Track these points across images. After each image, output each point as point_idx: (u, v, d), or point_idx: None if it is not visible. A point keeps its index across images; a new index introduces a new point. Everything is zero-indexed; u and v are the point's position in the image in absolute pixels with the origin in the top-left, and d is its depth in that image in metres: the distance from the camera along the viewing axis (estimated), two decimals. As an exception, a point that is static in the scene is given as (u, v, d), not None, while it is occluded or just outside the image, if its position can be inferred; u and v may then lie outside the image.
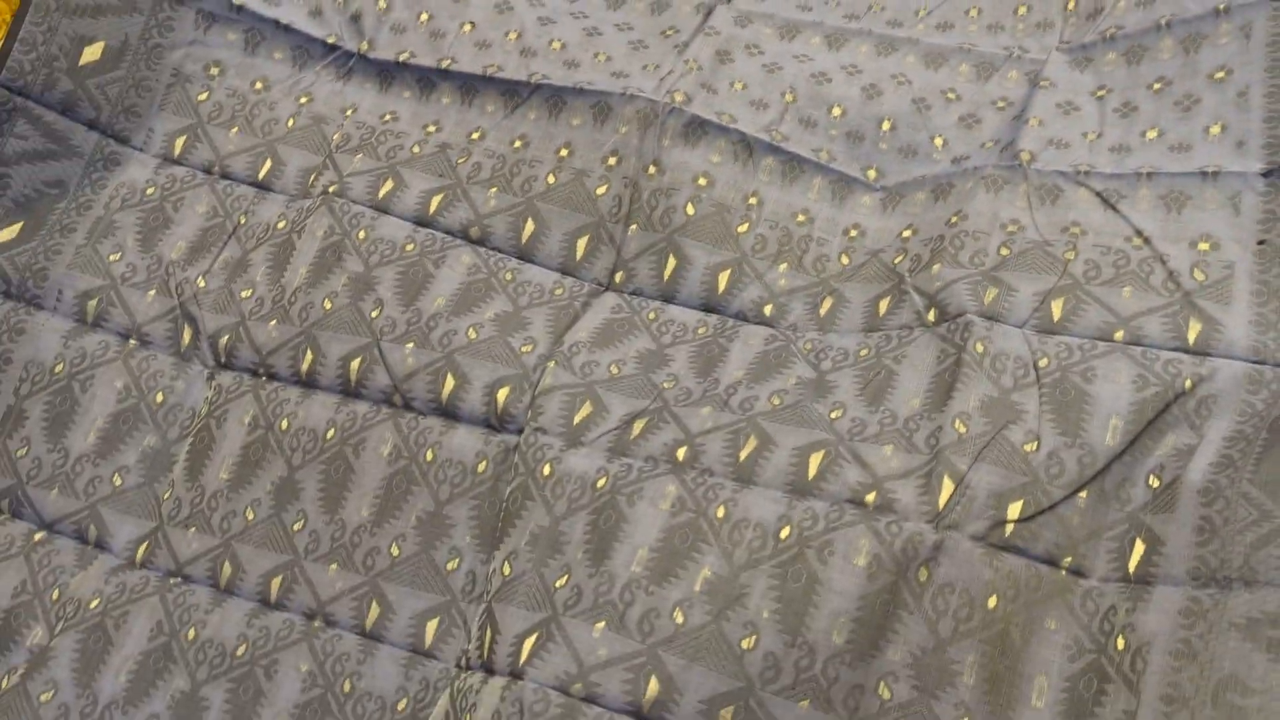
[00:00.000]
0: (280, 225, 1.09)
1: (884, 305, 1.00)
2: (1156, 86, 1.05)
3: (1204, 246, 0.93)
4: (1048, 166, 1.02)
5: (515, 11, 1.19)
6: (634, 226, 1.07)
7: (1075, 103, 1.07)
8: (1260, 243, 0.91)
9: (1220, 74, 1.01)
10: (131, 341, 1.06)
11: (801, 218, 1.08)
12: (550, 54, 1.16)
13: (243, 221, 1.11)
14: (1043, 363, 0.89)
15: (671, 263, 1.06)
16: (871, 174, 1.09)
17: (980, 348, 0.90)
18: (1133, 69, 1.07)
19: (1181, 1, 1.07)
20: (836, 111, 1.11)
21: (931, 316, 0.96)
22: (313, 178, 1.13)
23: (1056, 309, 0.92)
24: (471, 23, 1.19)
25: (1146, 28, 1.08)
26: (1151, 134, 1.02)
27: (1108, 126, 1.05)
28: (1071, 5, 1.15)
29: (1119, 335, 0.89)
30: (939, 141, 1.09)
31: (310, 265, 1.06)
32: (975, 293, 0.94)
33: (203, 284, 1.07)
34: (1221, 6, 1.04)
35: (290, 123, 1.16)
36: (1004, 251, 0.97)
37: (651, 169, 1.08)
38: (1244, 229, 0.92)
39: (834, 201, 1.08)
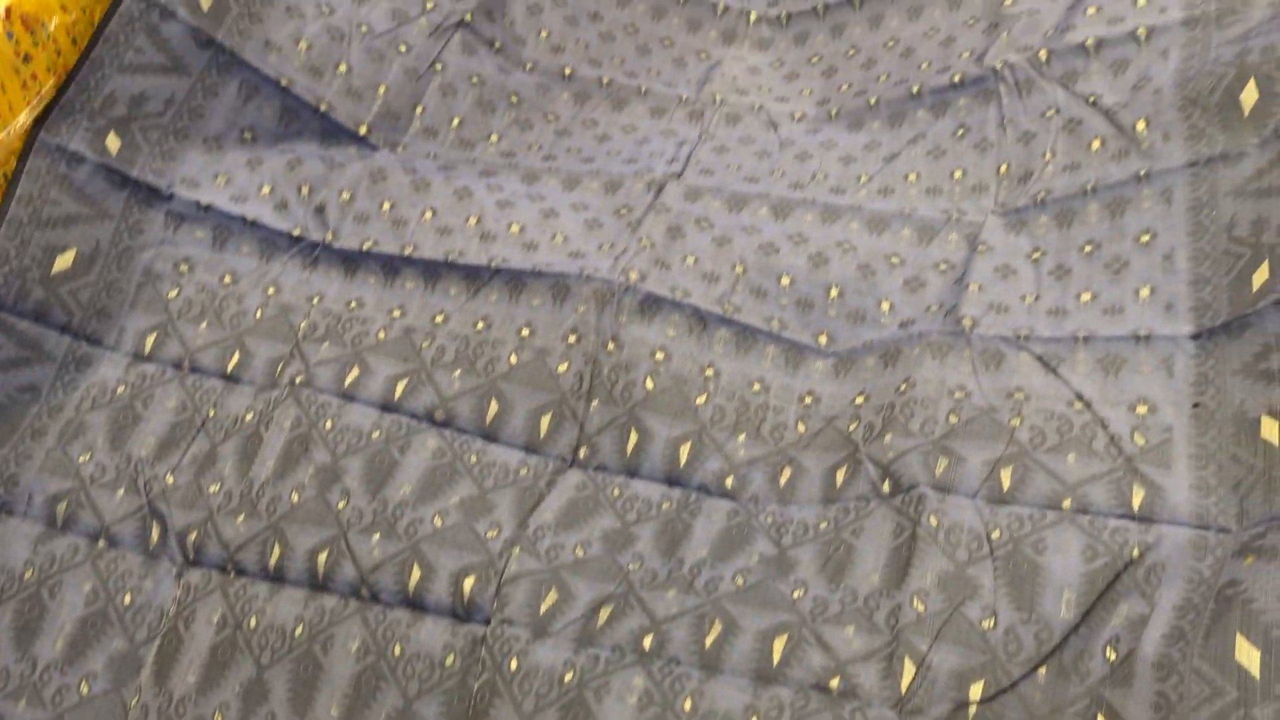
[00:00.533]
0: (248, 417, 1.11)
1: (840, 475, 1.02)
2: (1087, 249, 1.09)
3: (1142, 410, 0.96)
4: (989, 331, 1.06)
5: (474, 197, 1.24)
6: (595, 402, 1.10)
7: (1012, 265, 1.12)
8: (1195, 405, 0.94)
9: (1146, 237, 1.06)
10: (100, 542, 1.06)
11: (757, 386, 1.11)
12: (509, 237, 1.21)
13: (212, 414, 1.12)
14: (995, 534, 0.91)
15: (633, 437, 1.08)
16: (823, 339, 1.13)
17: (934, 521, 0.92)
18: (1064, 232, 1.12)
19: (1105, 167, 1.13)
20: (785, 281, 1.16)
21: (886, 487, 0.98)
22: (280, 367, 1.15)
23: (1005, 478, 0.94)
24: (432, 209, 1.24)
25: (1073, 192, 1.13)
26: (1085, 296, 1.06)
27: (1044, 289, 1.09)
28: (1003, 169, 1.21)
29: (1067, 503, 0.91)
30: (886, 306, 1.13)
31: (278, 457, 1.08)
32: (926, 464, 0.97)
33: (171, 480, 1.08)
34: (1142, 173, 1.09)
35: (258, 314, 1.19)
36: (953, 419, 1.00)
37: (610, 345, 1.11)
38: (1179, 391, 0.96)
39: (787, 369, 1.12)
